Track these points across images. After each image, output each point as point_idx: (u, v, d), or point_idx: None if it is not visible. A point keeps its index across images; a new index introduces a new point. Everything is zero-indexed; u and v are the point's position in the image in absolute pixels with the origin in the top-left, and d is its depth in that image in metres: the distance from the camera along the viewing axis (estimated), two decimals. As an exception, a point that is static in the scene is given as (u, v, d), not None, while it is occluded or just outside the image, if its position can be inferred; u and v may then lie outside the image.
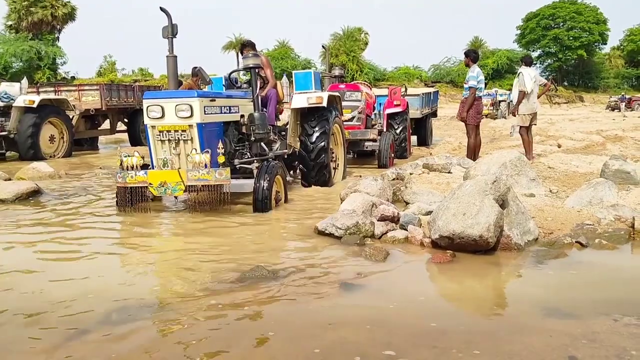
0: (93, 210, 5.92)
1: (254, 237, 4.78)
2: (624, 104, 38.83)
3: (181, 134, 5.47)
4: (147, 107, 5.47)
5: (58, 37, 46.88)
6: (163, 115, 5.44)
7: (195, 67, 7.02)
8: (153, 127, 5.51)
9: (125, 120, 16.34)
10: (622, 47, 64.93)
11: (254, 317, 2.92)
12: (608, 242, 4.16)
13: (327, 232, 4.45)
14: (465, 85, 9.00)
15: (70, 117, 13.32)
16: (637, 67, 63.72)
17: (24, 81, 12.98)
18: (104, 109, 14.48)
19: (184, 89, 7.51)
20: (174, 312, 2.95)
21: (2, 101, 12.06)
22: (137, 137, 16.13)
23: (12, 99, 12.00)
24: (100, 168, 10.20)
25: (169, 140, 5.51)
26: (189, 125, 5.42)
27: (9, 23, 45.74)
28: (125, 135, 16.61)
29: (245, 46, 7.05)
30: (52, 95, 13.50)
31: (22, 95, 12.20)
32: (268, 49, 51.40)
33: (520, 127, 9.54)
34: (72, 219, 5.53)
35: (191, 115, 5.39)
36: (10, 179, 7.92)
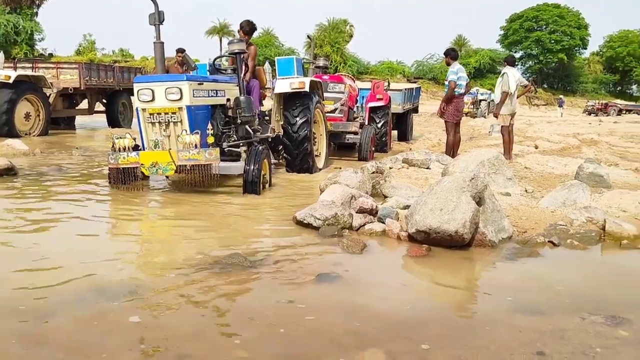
0: (67, 190, 5.87)
1: (234, 224, 4.77)
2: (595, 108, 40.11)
3: (171, 116, 5.62)
4: (138, 90, 5.63)
5: (37, 12, 45.88)
6: (153, 99, 5.59)
7: (180, 49, 7.05)
8: (144, 109, 5.67)
9: (104, 100, 16.08)
10: (601, 52, 65.96)
11: (227, 304, 2.92)
12: (579, 243, 4.26)
13: (305, 222, 4.47)
14: (446, 82, 9.08)
15: (48, 95, 13.06)
16: (614, 73, 64.80)
17: (0, 55, 12.67)
18: (82, 88, 14.24)
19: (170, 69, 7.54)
20: (142, 295, 2.94)
21: (-24, 75, 11.77)
22: (115, 118, 15.91)
23: (-13, 74, 11.71)
24: (77, 148, 10.06)
25: (159, 122, 5.66)
26: (179, 108, 5.58)
27: (-14, -5, 44.61)
28: (103, 117, 16.37)
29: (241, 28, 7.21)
30: (29, 72, 13.23)
31: (-2, 69, 11.92)
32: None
33: (502, 126, 9.61)
34: (44, 198, 5.46)
35: (180, 98, 5.55)
36: (-17, 155, 7.76)
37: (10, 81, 11.49)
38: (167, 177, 6.02)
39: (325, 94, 9.41)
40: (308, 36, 40.16)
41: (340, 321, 2.74)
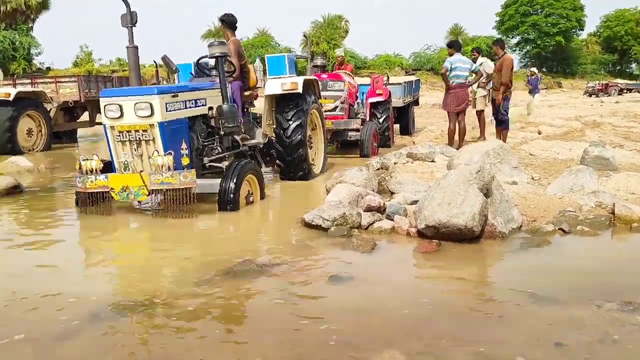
0: (73, 208, 5.80)
1: (239, 232, 4.79)
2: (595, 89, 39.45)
3: (142, 134, 5.12)
4: (105, 106, 5.13)
5: (32, 27, 45.93)
6: (122, 115, 5.09)
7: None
8: (112, 127, 5.17)
9: (105, 111, 16.06)
10: (598, 33, 65.60)
11: (243, 310, 2.93)
12: (590, 229, 4.25)
13: (314, 223, 4.46)
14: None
15: (48, 109, 13.09)
16: (613, 53, 64.48)
17: (-1, 73, 12.71)
18: (82, 100, 14.24)
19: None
20: (164, 306, 2.95)
21: (-23, 94, 11.80)
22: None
23: (-12, 92, 11.74)
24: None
25: (129, 140, 5.17)
26: (150, 125, 5.07)
27: (-19, 13, 44.67)
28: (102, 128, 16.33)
29: (221, 22, 6.74)
30: (28, 88, 13.25)
31: (-3, 87, 11.95)
32: (248, 37, 50.98)
33: (482, 110, 10.66)
34: (51, 217, 5.48)
35: (152, 114, 5.03)
36: (-11, 174, 7.79)
37: (11, 98, 11.51)
38: (139, 202, 5.47)
39: (325, 93, 9.38)
40: (304, 35, 40.19)
41: (356, 322, 2.74)
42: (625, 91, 40.36)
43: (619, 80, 48.20)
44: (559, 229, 4.24)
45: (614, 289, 3.09)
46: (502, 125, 9.50)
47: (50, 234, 4.77)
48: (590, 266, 3.61)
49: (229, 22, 6.74)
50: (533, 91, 16.98)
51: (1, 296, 3.15)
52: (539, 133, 11.26)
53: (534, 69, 17.03)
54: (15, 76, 16.83)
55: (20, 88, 12.69)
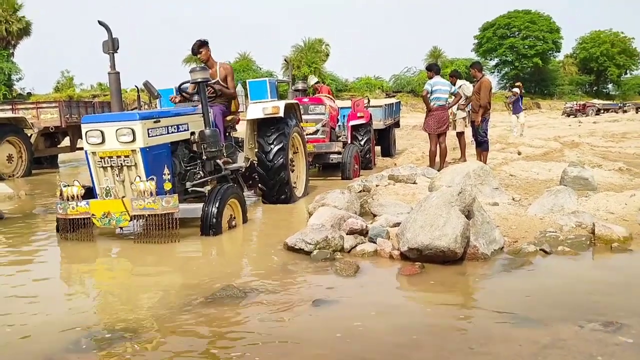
0: (53, 234, 5.71)
1: (221, 257, 4.76)
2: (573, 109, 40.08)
3: (124, 160, 5.12)
4: (86, 132, 5.14)
5: (13, 53, 45.74)
6: (103, 141, 5.10)
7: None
8: (94, 153, 5.17)
9: (86, 137, 15.94)
10: (575, 54, 67.04)
11: (226, 336, 2.89)
12: (570, 249, 4.29)
13: (296, 247, 4.45)
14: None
15: (29, 135, 12.98)
16: (589, 74, 65.86)
17: (-21, 99, 12.61)
18: (63, 126, 14.15)
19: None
20: (146, 332, 2.91)
21: (-44, 120, 11.69)
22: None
23: (-33, 118, 11.64)
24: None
25: (111, 166, 5.17)
26: (132, 150, 5.08)
27: (-38, 39, 44.40)
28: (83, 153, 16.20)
29: (201, 46, 6.65)
30: (9, 114, 13.15)
31: (-23, 114, 11.85)
32: (229, 61, 51.23)
33: (462, 132, 10.99)
34: (32, 243, 5.39)
35: (134, 140, 5.05)
36: (-33, 202, 7.67)
37: (-10, 124, 11.42)
38: (121, 228, 5.40)
39: (306, 116, 9.43)
40: (285, 59, 40.42)
41: (340, 346, 2.72)
42: (602, 111, 41.17)
43: (596, 101, 49.22)
44: (540, 249, 4.27)
45: (596, 309, 3.11)
46: (482, 146, 9.61)
47: (31, 260, 4.72)
48: (572, 286, 3.63)
49: (206, 43, 6.71)
50: (516, 111, 16.98)
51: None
52: (519, 154, 11.40)
53: (516, 89, 17.10)
54: (-6, 102, 16.65)
55: (0, 114, 12.58)
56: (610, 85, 69.72)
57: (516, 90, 17.09)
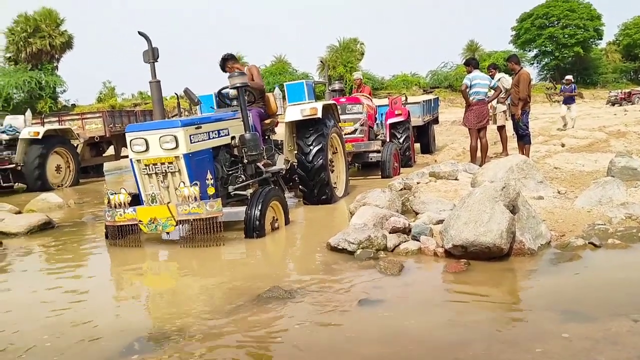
0: (102, 241, 5.84)
1: (266, 259, 4.82)
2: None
3: (168, 166, 5.27)
4: (131, 140, 5.29)
5: (57, 66, 47.23)
6: (147, 149, 5.25)
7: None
8: (138, 161, 5.33)
9: (129, 145, 16.36)
10: (617, 41, 64.98)
11: (274, 337, 2.94)
12: (621, 242, 4.17)
13: (339, 247, 4.47)
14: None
15: (75, 145, 13.41)
16: (634, 60, 63.72)
17: (28, 113, 13.09)
18: (107, 135, 14.57)
19: None
20: (196, 335, 2.98)
21: (7, 134, 12.16)
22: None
23: (17, 132, 12.10)
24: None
25: (155, 173, 5.32)
26: (175, 157, 5.21)
27: (8, 55, 46.05)
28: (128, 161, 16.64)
29: (226, 60, 6.81)
30: (56, 126, 13.61)
31: (26, 127, 12.31)
32: (265, 64, 51.63)
33: (503, 126, 10.76)
34: (82, 250, 5.57)
35: (176, 147, 5.18)
36: (20, 212, 7.97)
37: (40, 137, 11.84)
38: (167, 233, 5.44)
39: (344, 116, 9.46)
40: (321, 60, 40.53)
41: (389, 345, 2.73)
42: (648, 98, 39.74)
43: (642, 88, 47.54)
44: (589, 243, 4.17)
45: (649, 303, 3.03)
46: (523, 139, 9.44)
47: (81, 266, 4.88)
48: (624, 279, 3.54)
49: (231, 56, 6.89)
50: (567, 101, 16.31)
51: (40, 329, 3.22)
52: (563, 145, 11.14)
53: (570, 77, 16.59)
54: (43, 115, 17.23)
55: (48, 126, 13.05)
56: (656, 71, 67.26)
57: (569, 77, 16.71)
